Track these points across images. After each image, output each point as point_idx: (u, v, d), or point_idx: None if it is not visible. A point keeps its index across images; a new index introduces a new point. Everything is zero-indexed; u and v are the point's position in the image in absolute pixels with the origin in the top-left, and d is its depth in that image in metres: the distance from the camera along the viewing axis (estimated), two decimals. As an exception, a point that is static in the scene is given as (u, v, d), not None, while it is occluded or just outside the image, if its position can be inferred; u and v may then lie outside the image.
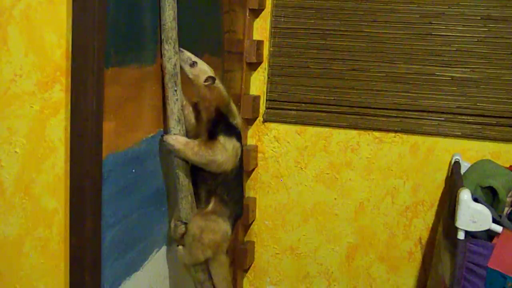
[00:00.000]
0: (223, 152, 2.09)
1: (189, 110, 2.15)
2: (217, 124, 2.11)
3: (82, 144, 1.69)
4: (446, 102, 2.95)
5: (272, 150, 3.15)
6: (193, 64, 2.08)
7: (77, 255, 1.73)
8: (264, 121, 3.14)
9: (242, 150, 2.21)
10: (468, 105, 2.93)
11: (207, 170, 2.11)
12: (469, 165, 2.80)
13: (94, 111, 1.68)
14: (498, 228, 2.20)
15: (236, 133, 2.16)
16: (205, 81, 2.08)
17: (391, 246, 3.10)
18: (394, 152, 3.04)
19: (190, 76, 2.09)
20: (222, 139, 2.09)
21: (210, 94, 2.09)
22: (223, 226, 2.16)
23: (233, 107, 2.19)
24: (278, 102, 3.12)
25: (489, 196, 2.54)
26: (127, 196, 1.92)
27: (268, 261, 3.23)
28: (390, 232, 3.09)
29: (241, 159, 2.20)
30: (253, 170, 3.15)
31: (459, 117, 2.95)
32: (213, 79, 2.08)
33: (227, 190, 2.17)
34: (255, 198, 3.17)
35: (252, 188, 3.18)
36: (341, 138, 3.08)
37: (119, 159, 1.84)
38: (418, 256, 3.08)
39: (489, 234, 2.24)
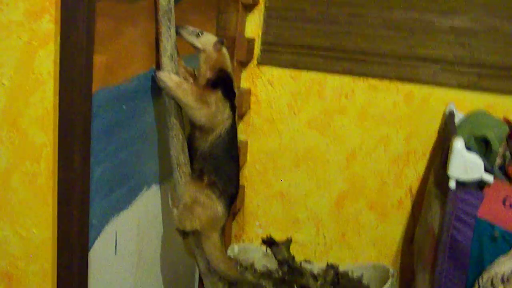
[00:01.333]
0: (212, 105, 2.06)
1: (186, 75, 2.15)
2: (219, 81, 2.10)
3: (72, 78, 1.66)
4: (443, 51, 2.91)
5: (265, 93, 3.11)
6: (199, 34, 2.12)
7: (65, 190, 1.72)
8: (259, 64, 3.09)
9: (234, 126, 2.16)
10: (466, 55, 2.89)
11: (189, 119, 2.10)
12: (463, 116, 2.79)
13: (85, 44, 1.64)
14: (489, 178, 2.19)
15: (233, 103, 2.14)
16: (214, 46, 2.12)
17: (381, 194, 3.10)
18: (388, 100, 3.01)
19: (199, 45, 2.12)
20: (219, 94, 2.08)
21: (217, 57, 2.13)
22: (215, 204, 2.14)
23: (235, 81, 2.20)
24: (273, 45, 3.07)
25: (482, 146, 2.53)
26: (117, 132, 1.89)
27: (258, 205, 3.23)
28: (381, 180, 3.08)
29: (231, 136, 2.16)
30: (245, 113, 3.12)
31: (456, 67, 2.91)
32: (221, 42, 2.13)
33: (215, 169, 2.14)
34: (246, 142, 3.15)
35: (244, 132, 3.16)
36: (335, 84, 3.04)
37: (109, 94, 1.81)
38: (408, 204, 3.08)
39: (480, 184, 2.24)
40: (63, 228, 1.74)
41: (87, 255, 1.81)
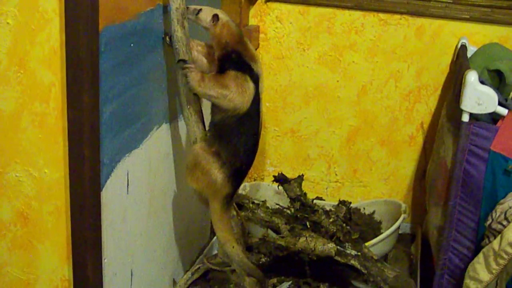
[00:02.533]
0: (232, 88, 2.04)
1: (197, 50, 2.15)
2: (227, 59, 2.07)
3: (78, 15, 1.62)
4: (455, -17, 2.85)
5: (274, 31, 3.06)
6: (198, 12, 2.10)
7: (75, 129, 1.70)
8: (267, 0, 3.04)
9: (257, 100, 2.12)
10: (478, -14, 2.83)
11: (219, 107, 2.08)
12: (476, 49, 2.74)
13: (89, -21, 1.60)
14: (503, 111, 2.16)
15: (251, 73, 2.09)
16: (211, 23, 2.09)
17: (393, 130, 3.08)
18: (399, 34, 2.96)
19: (199, 22, 2.11)
20: (233, 73, 2.05)
21: (220, 32, 2.09)
22: (214, 172, 2.11)
23: (251, 48, 2.15)
24: (281, -19, 3.01)
25: (495, 79, 2.49)
26: (126, 70, 1.87)
27: (269, 143, 3.22)
28: (392, 116, 3.06)
29: (251, 110, 2.10)
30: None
31: (468, -1, 2.86)
32: (216, 16, 2.09)
33: (220, 139, 2.12)
34: (256, 80, 3.12)
35: (253, 70, 3.12)
36: (345, 19, 2.99)
37: (116, 31, 1.78)
38: (419, 140, 3.07)
39: (493, 118, 2.22)
40: (75, 167, 1.74)
41: (100, 194, 1.81)
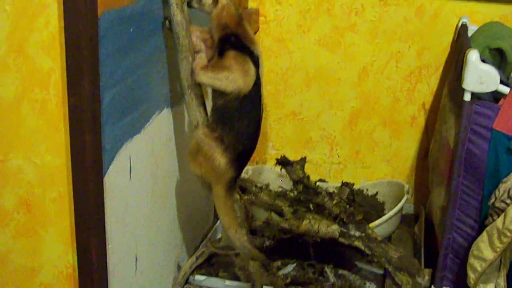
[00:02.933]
0: (235, 65, 2.04)
1: (197, 36, 2.14)
2: (227, 41, 2.07)
3: (76, 0, 1.61)
4: (455, -39, 2.83)
5: (274, 13, 3.05)
6: None
7: (76, 116, 1.70)
8: (266, -18, 3.03)
9: (258, 83, 2.12)
10: (479, -36, 2.81)
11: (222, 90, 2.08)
12: (476, 28, 2.72)
13: (87, -37, 1.59)
14: (505, 90, 2.15)
15: (251, 55, 2.09)
16: (212, 4, 2.09)
17: (394, 111, 3.07)
18: (399, 15, 2.95)
19: (202, 7, 2.10)
20: (232, 53, 2.05)
21: (220, 14, 2.09)
22: (218, 157, 2.11)
23: (250, 32, 2.15)
24: (280, -38, 2.99)
25: (496, 58, 2.48)
26: (126, 56, 1.86)
27: (271, 126, 3.22)
28: (393, 96, 3.06)
29: (252, 93, 2.10)
30: (254, 34, 3.07)
31: (468, -23, 2.84)
32: None
33: (223, 122, 2.11)
34: (256, 64, 3.11)
35: (253, 53, 3.11)
36: (344, 0, 2.97)
37: (116, 16, 1.77)
38: (421, 120, 3.06)
39: (495, 96, 2.21)
40: (77, 154, 1.74)
41: (102, 180, 1.80)
